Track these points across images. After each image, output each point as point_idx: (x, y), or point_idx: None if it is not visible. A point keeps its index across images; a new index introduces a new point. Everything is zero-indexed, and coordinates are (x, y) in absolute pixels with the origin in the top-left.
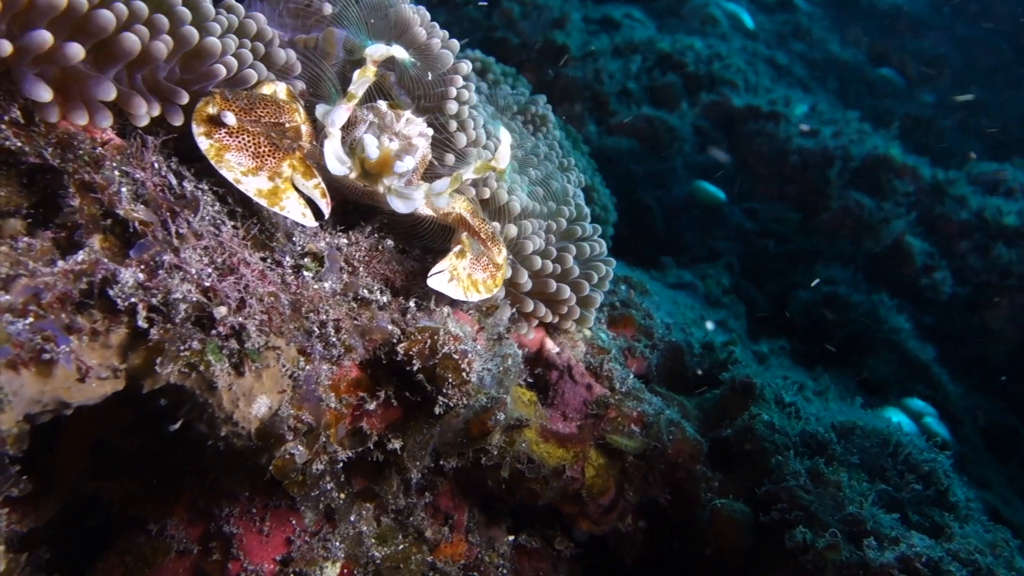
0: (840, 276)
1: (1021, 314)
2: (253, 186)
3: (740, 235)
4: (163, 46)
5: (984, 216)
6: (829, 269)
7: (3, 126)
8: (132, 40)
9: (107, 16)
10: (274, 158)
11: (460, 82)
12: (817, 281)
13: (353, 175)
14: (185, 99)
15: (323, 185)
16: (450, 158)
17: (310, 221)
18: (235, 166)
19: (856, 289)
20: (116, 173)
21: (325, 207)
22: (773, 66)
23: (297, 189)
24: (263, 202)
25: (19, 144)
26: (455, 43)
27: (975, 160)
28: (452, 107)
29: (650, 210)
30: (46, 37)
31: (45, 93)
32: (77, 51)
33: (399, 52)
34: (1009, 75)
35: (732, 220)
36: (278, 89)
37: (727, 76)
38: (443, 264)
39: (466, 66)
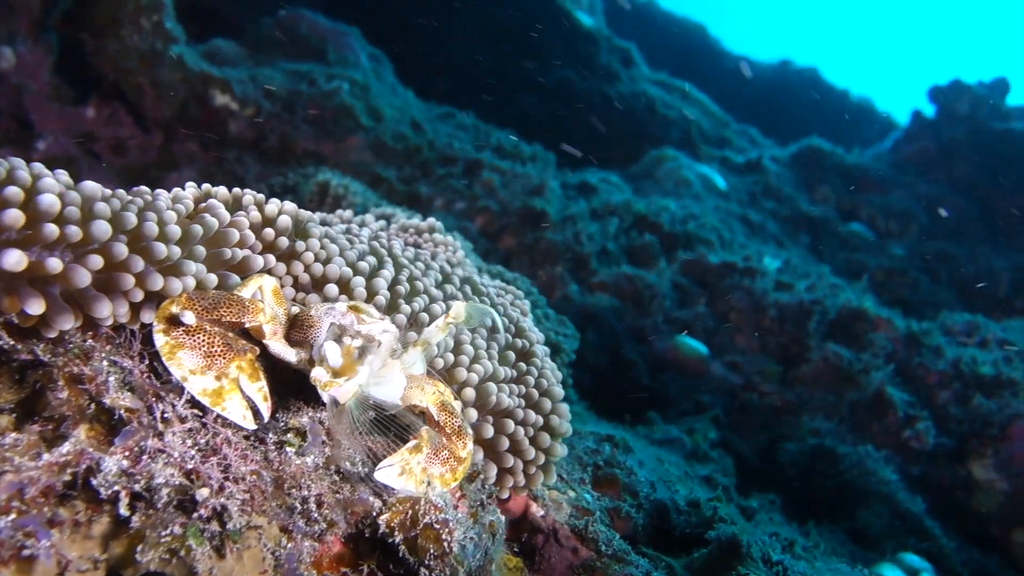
0: (825, 428)
1: (1008, 464)
2: (199, 386)
3: (725, 388)
4: (126, 305)
5: (960, 367)
6: (814, 420)
7: None
8: (105, 310)
9: (83, 275)
10: (224, 359)
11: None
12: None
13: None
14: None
15: (266, 389)
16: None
17: (249, 424)
18: (184, 364)
19: (842, 440)
20: (105, 364)
21: (266, 411)
22: (746, 223)
23: (243, 390)
24: (206, 401)
25: (11, 343)
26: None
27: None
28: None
29: (634, 365)
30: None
31: None
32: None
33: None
34: (972, 229)
35: (715, 373)
36: (264, 284)
37: (702, 234)
38: (393, 459)
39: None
